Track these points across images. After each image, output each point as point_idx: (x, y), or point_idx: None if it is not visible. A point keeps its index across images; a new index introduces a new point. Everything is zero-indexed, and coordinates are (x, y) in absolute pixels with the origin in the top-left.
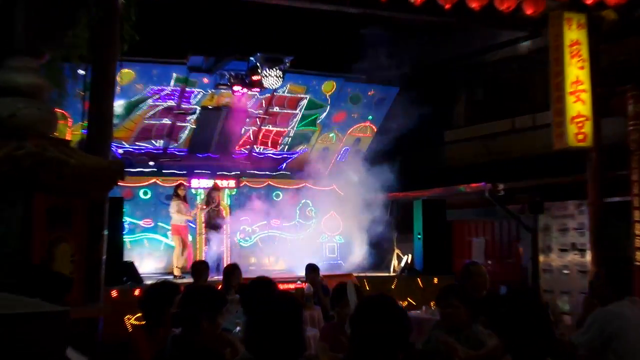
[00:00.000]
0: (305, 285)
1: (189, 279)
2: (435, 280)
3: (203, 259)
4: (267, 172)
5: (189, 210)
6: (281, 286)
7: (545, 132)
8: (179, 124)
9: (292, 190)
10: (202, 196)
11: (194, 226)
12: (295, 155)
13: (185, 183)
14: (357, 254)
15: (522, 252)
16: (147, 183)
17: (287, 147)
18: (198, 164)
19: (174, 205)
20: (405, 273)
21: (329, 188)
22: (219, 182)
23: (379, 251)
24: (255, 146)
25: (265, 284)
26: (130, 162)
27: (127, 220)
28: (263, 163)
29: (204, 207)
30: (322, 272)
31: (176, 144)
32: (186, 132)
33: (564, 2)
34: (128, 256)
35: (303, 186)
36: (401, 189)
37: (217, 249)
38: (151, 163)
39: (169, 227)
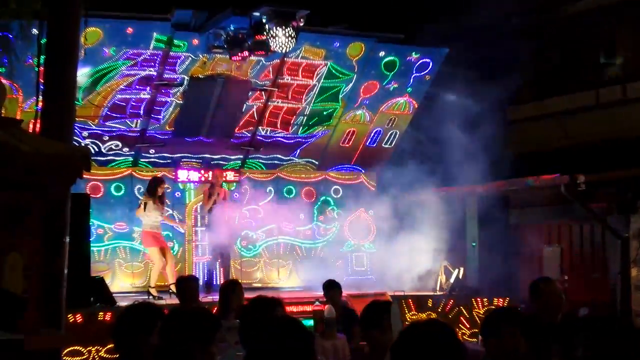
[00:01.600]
0: (325, 307)
1: (173, 300)
2: (496, 301)
3: (192, 273)
4: (276, 161)
5: (162, 210)
6: (294, 308)
7: (639, 107)
8: (160, 98)
9: (308, 184)
10: (193, 193)
11: (182, 231)
12: (312, 140)
13: (169, 175)
14: (393, 267)
15: (608, 264)
16: (120, 176)
17: (301, 128)
18: (186, 150)
19: (141, 205)
20: (456, 292)
21: (356, 181)
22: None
23: (422, 263)
24: (260, 128)
25: (266, 305)
26: (98, 149)
27: (94, 223)
28: (271, 150)
29: (208, 203)
30: (347, 290)
31: (157, 125)
32: (170, 109)
33: None
34: (96, 270)
35: (322, 179)
36: (449, 183)
37: (211, 260)
38: (125, 149)
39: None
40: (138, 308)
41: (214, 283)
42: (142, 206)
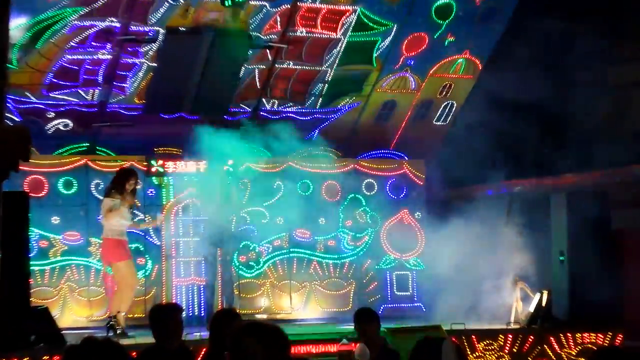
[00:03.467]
0: (356, 347)
1: (147, 337)
2: (595, 337)
3: (171, 299)
4: (286, 145)
5: (128, 214)
6: (312, 348)
7: None
8: (126, 60)
9: (330, 177)
10: (173, 190)
11: (158, 243)
12: (336, 116)
13: (138, 166)
14: (449, 291)
15: None
16: (71, 167)
17: (321, 100)
18: (163, 132)
19: (106, 204)
20: (538, 325)
21: (397, 172)
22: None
23: (489, 285)
24: (264, 100)
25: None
26: (40, 130)
27: (35, 233)
28: (279, 129)
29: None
30: (387, 323)
31: (123, 97)
32: (140, 75)
33: None
34: (39, 297)
35: (351, 169)
36: (527, 174)
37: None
38: (78, 130)
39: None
40: (95, 347)
41: (202, 314)
42: (108, 207)
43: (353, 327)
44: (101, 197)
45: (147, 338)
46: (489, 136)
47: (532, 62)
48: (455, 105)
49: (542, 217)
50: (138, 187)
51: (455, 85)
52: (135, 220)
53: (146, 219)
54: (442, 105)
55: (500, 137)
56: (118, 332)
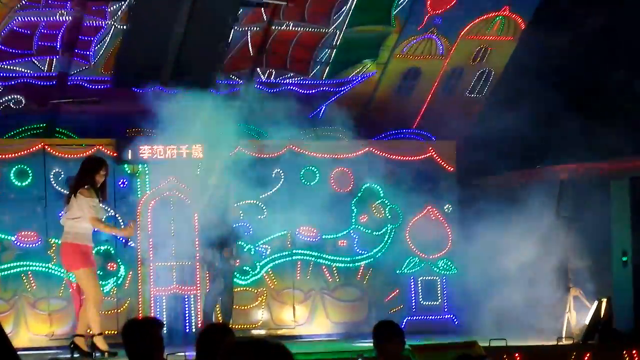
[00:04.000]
0: None
1: (120, 358)
2: None
3: (149, 313)
4: (287, 125)
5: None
6: None
7: None
8: (90, 22)
9: (341, 163)
10: (149, 182)
11: (132, 244)
12: (346, 88)
13: (106, 151)
14: (487, 300)
15: None
16: (25, 153)
17: (328, 69)
18: (135, 109)
19: (84, 205)
20: (596, 340)
21: (421, 156)
22: None
23: (536, 292)
24: (259, 69)
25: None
26: None
27: None
28: (277, 106)
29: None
30: (411, 339)
31: (86, 67)
32: (107, 40)
33: None
34: None
35: (365, 154)
36: (581, 157)
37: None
38: (33, 109)
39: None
40: None
41: (187, 329)
42: (81, 205)
43: (370, 344)
44: (62, 189)
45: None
46: (533, 111)
47: (586, 21)
48: (492, 73)
49: (599, 209)
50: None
51: (492, 49)
52: (105, 220)
53: (123, 222)
54: (476, 74)
55: (548, 112)
56: (84, 354)
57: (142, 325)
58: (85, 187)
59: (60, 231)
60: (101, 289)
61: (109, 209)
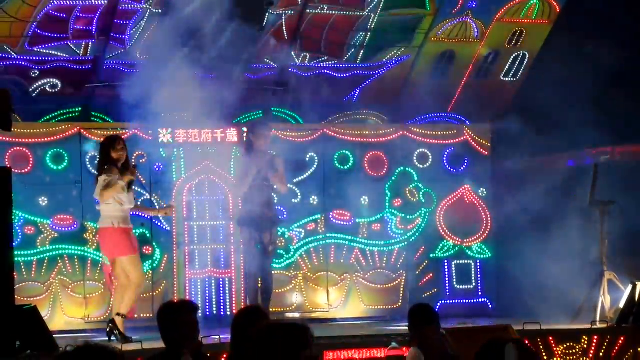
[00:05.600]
0: (408, 352)
1: (155, 341)
2: None
3: (184, 296)
4: (320, 110)
5: (131, 196)
6: (355, 354)
7: None
8: (125, 6)
9: (375, 146)
10: (184, 166)
11: (168, 228)
12: (380, 72)
13: (143, 135)
14: (521, 283)
15: None
16: (61, 137)
17: (362, 53)
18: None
19: (100, 183)
20: (630, 323)
21: (456, 140)
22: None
23: (570, 276)
24: (293, 53)
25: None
26: (23, 92)
27: (19, 217)
28: (312, 89)
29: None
30: (446, 323)
31: (122, 52)
32: (142, 24)
33: None
34: (25, 295)
35: (399, 137)
36: (616, 140)
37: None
38: (69, 92)
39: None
40: (89, 355)
41: (222, 313)
42: (107, 183)
43: (403, 327)
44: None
45: (155, 343)
46: (568, 95)
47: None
48: (527, 57)
49: (635, 192)
50: (142, 160)
51: (527, 32)
52: (140, 202)
53: (158, 204)
54: (512, 57)
55: (583, 95)
56: (120, 337)
57: (176, 310)
58: (105, 167)
59: (96, 215)
60: (143, 274)
61: (144, 192)
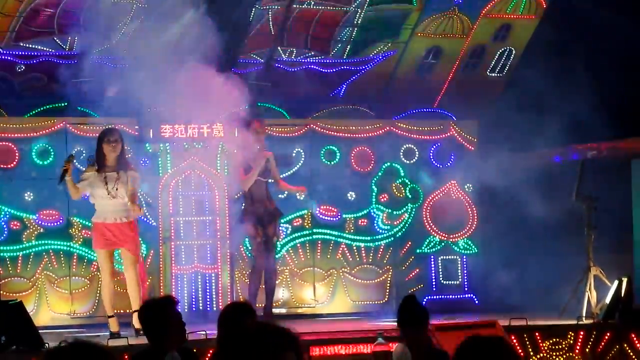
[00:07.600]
0: (394, 347)
1: (142, 338)
2: None
3: (170, 292)
4: (307, 105)
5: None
6: (342, 349)
7: None
8: (112, 0)
9: (361, 142)
10: (170, 160)
11: (154, 224)
12: (367, 67)
13: (129, 131)
14: (507, 279)
15: None
16: (47, 132)
17: (349, 48)
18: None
19: (86, 179)
20: (616, 319)
21: (442, 135)
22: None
23: (556, 271)
24: (280, 49)
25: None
26: (9, 87)
27: (5, 212)
28: (298, 84)
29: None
30: (433, 318)
31: (108, 46)
32: (128, 18)
33: None
34: (10, 291)
35: (385, 133)
36: (603, 136)
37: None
38: (54, 87)
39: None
40: (77, 352)
41: (208, 308)
42: (89, 181)
43: (389, 323)
44: (83, 168)
45: (142, 339)
46: (554, 90)
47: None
48: (513, 52)
49: (620, 188)
50: (128, 156)
51: (513, 27)
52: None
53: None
54: (498, 53)
55: (569, 91)
56: (113, 333)
57: (155, 306)
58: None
59: (82, 210)
60: (108, 272)
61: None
